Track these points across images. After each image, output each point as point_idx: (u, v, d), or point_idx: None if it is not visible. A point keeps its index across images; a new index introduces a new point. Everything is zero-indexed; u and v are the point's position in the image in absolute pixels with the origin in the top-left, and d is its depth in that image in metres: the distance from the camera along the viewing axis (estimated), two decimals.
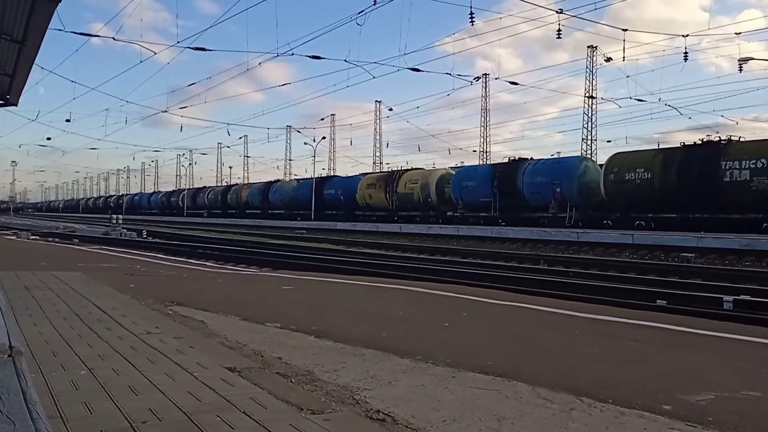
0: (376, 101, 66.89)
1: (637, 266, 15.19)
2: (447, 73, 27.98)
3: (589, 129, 47.36)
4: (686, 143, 24.41)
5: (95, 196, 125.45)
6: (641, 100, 36.23)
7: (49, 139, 53.67)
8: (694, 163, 22.74)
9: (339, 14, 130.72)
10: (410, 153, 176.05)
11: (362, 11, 19.27)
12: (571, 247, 21.67)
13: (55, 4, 6.08)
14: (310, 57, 24.03)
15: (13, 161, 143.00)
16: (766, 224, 20.16)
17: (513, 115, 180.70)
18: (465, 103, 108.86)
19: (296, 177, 64.94)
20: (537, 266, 15.35)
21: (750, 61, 25.20)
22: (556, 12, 21.58)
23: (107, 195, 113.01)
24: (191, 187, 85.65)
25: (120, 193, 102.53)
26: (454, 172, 35.81)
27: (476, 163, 48.05)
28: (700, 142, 23.88)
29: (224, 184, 77.29)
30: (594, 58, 46.45)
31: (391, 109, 79.56)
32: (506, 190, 30.07)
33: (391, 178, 38.65)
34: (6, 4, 6.26)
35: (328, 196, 44.25)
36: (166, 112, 35.55)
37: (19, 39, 7.20)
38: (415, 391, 3.55)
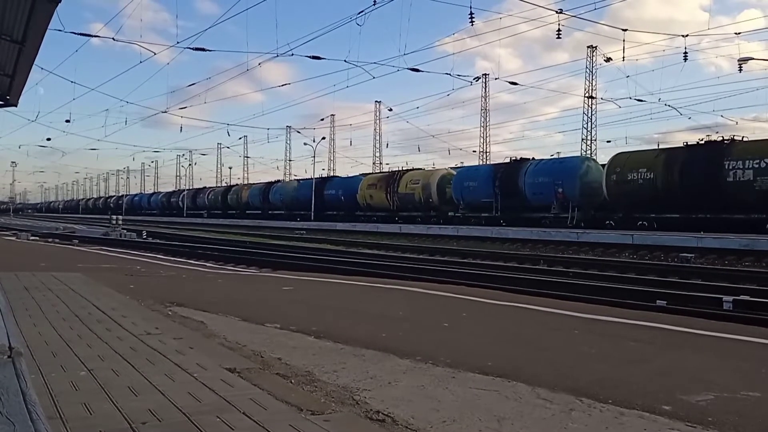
0: (376, 101, 67.01)
1: (636, 266, 15.19)
2: (447, 73, 27.96)
3: (589, 129, 47.41)
4: (689, 143, 24.31)
5: (95, 196, 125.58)
6: (641, 100, 36.29)
7: (49, 139, 53.95)
8: (697, 163, 22.64)
9: (339, 14, 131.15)
10: (410, 153, 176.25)
11: (362, 11, 19.28)
12: (570, 247, 21.67)
13: (54, 4, 6.08)
14: (310, 57, 24.02)
15: (12, 162, 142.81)
16: None
17: (513, 115, 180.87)
18: (465, 103, 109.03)
19: (296, 177, 65.02)
20: (537, 266, 15.35)
21: (750, 61, 25.21)
22: (556, 12, 21.60)
23: (107, 196, 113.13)
24: (191, 187, 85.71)
25: (120, 194, 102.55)
26: (455, 173, 35.66)
27: (476, 163, 48.11)
28: (703, 142, 23.78)
29: (224, 184, 77.36)
30: (594, 58, 46.50)
31: (390, 110, 79.70)
32: (508, 191, 29.99)
33: (392, 178, 38.58)
34: (6, 4, 6.26)
35: (329, 197, 44.20)
36: (165, 112, 35.59)
37: (19, 39, 7.20)
38: (415, 391, 3.55)
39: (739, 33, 35.61)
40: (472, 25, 20.06)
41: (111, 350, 4.35)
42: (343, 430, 2.84)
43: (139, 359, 4.06)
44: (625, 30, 23.67)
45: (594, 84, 47.40)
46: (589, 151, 46.17)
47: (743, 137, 23.09)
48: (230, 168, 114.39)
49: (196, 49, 21.66)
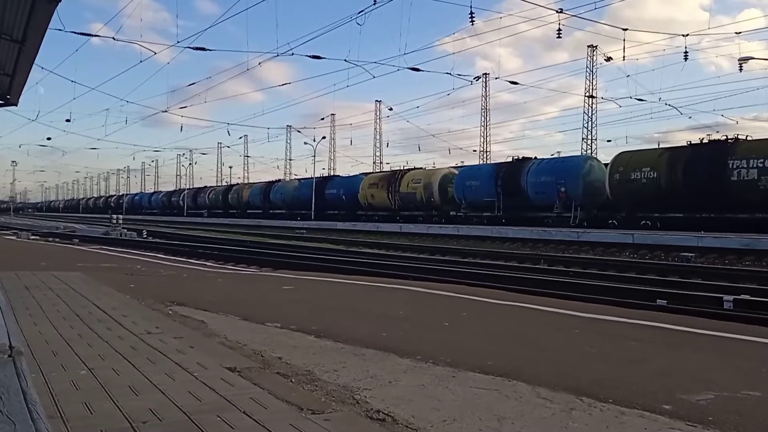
0: (376, 101, 66.98)
1: (637, 266, 15.18)
2: (447, 73, 27.87)
3: (589, 128, 47.42)
4: (692, 142, 24.19)
5: (95, 196, 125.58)
6: (641, 100, 36.28)
7: (49, 139, 53.69)
8: (700, 162, 22.55)
9: (339, 14, 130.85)
10: (410, 153, 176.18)
11: (362, 11, 19.27)
12: (571, 246, 21.66)
13: (55, 4, 6.08)
14: (310, 57, 24.05)
15: (13, 161, 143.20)
16: None
17: (513, 114, 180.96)
18: (465, 102, 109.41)
19: (296, 177, 65.02)
20: (537, 266, 15.35)
21: (750, 61, 25.22)
22: (556, 11, 21.57)
23: (107, 195, 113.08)
24: (191, 186, 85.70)
25: (120, 193, 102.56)
26: (457, 172, 35.53)
27: (476, 162, 48.10)
28: (707, 141, 23.68)
29: (224, 183, 77.39)
30: (594, 58, 46.49)
31: (391, 109, 79.59)
32: (510, 190, 29.89)
33: (394, 177, 38.50)
34: (6, 4, 6.26)
35: (330, 196, 44.16)
36: (166, 112, 35.59)
37: (19, 39, 7.20)
38: (416, 390, 3.54)
39: (740, 33, 35.46)
40: (473, 24, 20.06)
41: (111, 349, 4.35)
42: (343, 429, 2.84)
43: (139, 358, 4.06)
44: (626, 29, 23.67)
45: (594, 83, 47.46)
46: (589, 151, 46.19)
47: (747, 136, 22.98)
48: (230, 167, 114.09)
49: (197, 48, 21.69)
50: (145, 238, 27.53)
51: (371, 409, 3.17)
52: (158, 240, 26.15)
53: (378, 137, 66.49)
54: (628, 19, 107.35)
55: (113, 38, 35.21)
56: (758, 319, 7.21)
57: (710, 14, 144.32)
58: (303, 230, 34.74)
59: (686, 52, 26.24)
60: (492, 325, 6.05)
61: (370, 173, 47.29)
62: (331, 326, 5.59)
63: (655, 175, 23.94)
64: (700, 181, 22.27)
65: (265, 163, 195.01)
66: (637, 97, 36.47)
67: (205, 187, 72.81)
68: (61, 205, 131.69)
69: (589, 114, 47.51)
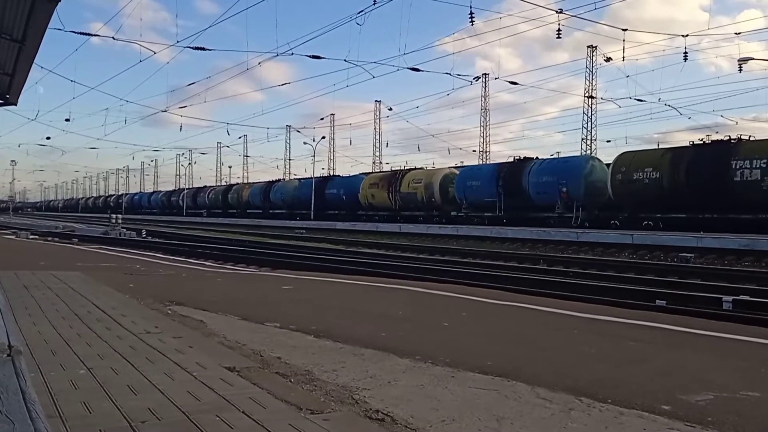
0: (376, 101, 66.95)
1: (636, 266, 15.19)
2: (447, 73, 27.79)
3: (589, 129, 47.39)
4: (695, 142, 24.10)
5: (95, 195, 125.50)
6: (641, 100, 36.22)
7: (48, 138, 53.68)
8: (703, 162, 22.46)
9: (339, 14, 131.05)
10: (410, 153, 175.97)
11: (362, 11, 19.24)
12: (570, 247, 21.67)
13: (54, 3, 6.07)
14: (310, 57, 24.06)
15: (12, 161, 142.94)
16: None
17: (513, 114, 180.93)
18: (465, 102, 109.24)
19: (296, 177, 65.00)
20: (536, 266, 15.35)
21: (750, 61, 25.17)
22: (556, 12, 21.58)
23: (107, 194, 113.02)
24: (191, 186, 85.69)
25: (119, 193, 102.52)
26: (458, 172, 35.43)
27: (476, 162, 48.09)
28: (710, 141, 23.61)
29: (224, 183, 77.37)
30: (594, 58, 46.47)
31: (390, 109, 79.73)
32: (511, 190, 29.81)
33: (394, 177, 38.43)
34: (6, 3, 6.26)
35: (330, 196, 44.13)
36: (165, 111, 35.55)
37: (19, 38, 7.19)
38: (415, 390, 3.55)
39: (739, 33, 35.56)
40: (472, 24, 20.04)
41: (110, 349, 4.35)
42: (342, 429, 2.84)
43: (138, 358, 4.06)
44: (625, 30, 23.67)
45: (594, 84, 47.43)
46: (588, 151, 46.17)
47: (750, 136, 22.87)
48: (230, 167, 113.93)
49: (196, 48, 21.68)
50: (144, 237, 27.53)
51: (370, 409, 3.17)
52: (157, 240, 26.14)
53: (378, 137, 66.55)
54: (628, 19, 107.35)
55: (113, 38, 35.25)
56: (757, 319, 7.21)
57: (710, 15, 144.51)
58: (302, 230, 34.73)
59: (686, 52, 26.32)
60: (491, 325, 6.05)
61: (370, 173, 47.29)
62: (331, 326, 5.58)
63: (658, 176, 23.86)
64: (702, 181, 22.18)
65: (264, 163, 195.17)
66: (637, 98, 36.49)
67: (205, 186, 72.81)
68: (60, 205, 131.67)
69: (589, 114, 47.55)
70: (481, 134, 55.50)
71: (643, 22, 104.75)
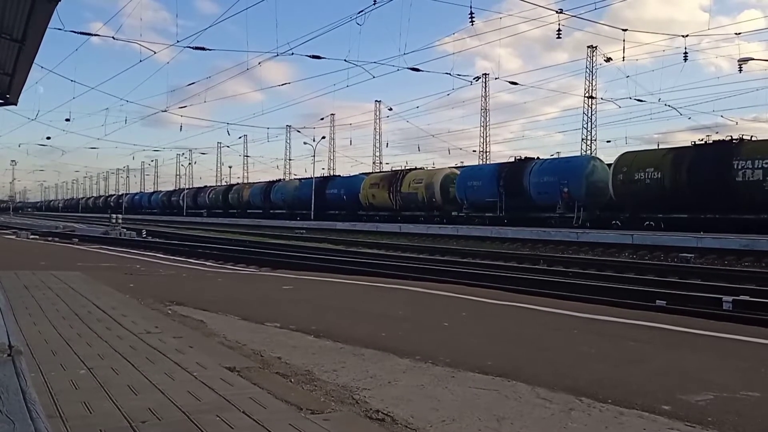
0: (376, 101, 67.00)
1: (636, 266, 15.19)
2: (447, 73, 27.82)
3: (589, 129, 47.42)
4: (697, 142, 24.05)
5: (95, 195, 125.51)
6: (641, 100, 36.27)
7: (48, 138, 53.68)
8: (705, 162, 22.41)
9: (339, 14, 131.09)
10: (410, 153, 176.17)
11: (362, 11, 19.25)
12: (570, 247, 21.66)
13: (54, 3, 6.07)
14: (310, 57, 24.08)
15: (12, 160, 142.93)
16: None
17: (513, 115, 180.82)
18: (465, 103, 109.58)
19: (296, 177, 65.00)
20: (536, 266, 15.35)
21: (750, 62, 25.18)
22: (556, 12, 21.60)
23: (107, 194, 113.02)
24: (191, 186, 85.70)
25: (120, 193, 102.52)
26: (458, 172, 35.35)
27: (476, 162, 48.08)
28: (712, 142, 23.56)
29: (224, 183, 77.38)
30: (594, 58, 46.49)
31: (390, 109, 79.81)
32: (512, 190, 29.75)
33: (395, 177, 38.38)
34: (6, 3, 6.26)
35: (331, 196, 44.10)
36: (165, 111, 35.55)
37: (19, 38, 7.19)
38: (415, 391, 3.55)
39: (739, 33, 35.60)
40: (472, 24, 20.07)
41: (111, 349, 4.35)
42: (342, 429, 2.84)
43: (138, 358, 4.06)
44: (625, 30, 23.69)
45: (594, 84, 47.45)
46: (588, 151, 46.19)
47: (752, 137, 22.82)
48: (230, 167, 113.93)
49: (196, 48, 21.69)
50: (144, 237, 27.53)
51: (370, 409, 3.17)
52: (158, 240, 26.15)
53: (378, 137, 66.57)
54: (628, 19, 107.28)
55: (113, 38, 35.27)
56: (757, 319, 7.21)
57: (710, 15, 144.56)
58: (303, 230, 34.73)
59: (686, 52, 26.32)
60: (491, 325, 6.05)
61: (370, 173, 47.27)
62: (331, 326, 5.59)
63: (659, 176, 23.80)
64: (704, 181, 22.12)
65: (264, 163, 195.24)
66: (637, 98, 36.58)
67: (205, 186, 72.81)
68: (60, 205, 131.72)
69: (589, 114, 47.56)
70: (481, 134, 55.57)
71: (643, 22, 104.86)
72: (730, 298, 8.57)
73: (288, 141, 75.27)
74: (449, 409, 3.19)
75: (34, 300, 6.73)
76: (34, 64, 8.78)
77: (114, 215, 34.56)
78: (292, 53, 25.57)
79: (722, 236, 18.79)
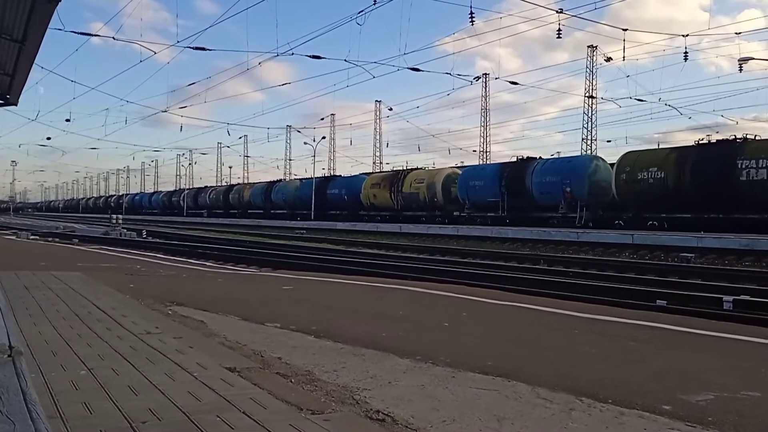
0: (376, 101, 66.99)
1: (636, 266, 15.19)
2: (447, 73, 27.86)
3: (589, 129, 47.43)
4: (700, 141, 23.94)
5: (95, 196, 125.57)
6: (641, 100, 36.30)
7: (49, 138, 53.63)
8: (709, 162, 22.30)
9: (339, 14, 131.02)
10: (410, 153, 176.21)
11: (362, 11, 19.28)
12: (570, 247, 21.66)
13: (54, 3, 6.07)
14: (310, 57, 24.09)
15: (13, 161, 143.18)
16: None
17: (513, 114, 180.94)
18: (465, 102, 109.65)
19: (296, 177, 65.02)
20: (537, 266, 15.35)
21: (750, 61, 25.18)
22: (556, 12, 21.60)
23: (107, 195, 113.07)
24: (191, 186, 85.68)
25: (120, 193, 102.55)
26: (460, 172, 35.25)
27: (476, 162, 48.08)
28: (715, 141, 23.47)
29: (224, 183, 77.38)
30: (594, 58, 46.50)
31: (391, 109, 79.78)
32: (514, 190, 29.65)
33: (396, 177, 38.31)
34: (6, 3, 6.26)
35: (332, 196, 44.06)
36: (166, 111, 35.60)
37: (19, 38, 7.20)
38: (415, 391, 3.55)
39: (740, 33, 35.55)
40: (472, 24, 20.08)
41: (111, 349, 4.35)
42: (343, 429, 2.84)
43: (139, 358, 4.06)
44: (626, 30, 23.69)
45: (594, 84, 47.46)
46: (589, 151, 46.19)
47: (756, 136, 22.74)
48: (230, 167, 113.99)
49: (197, 48, 21.71)
50: (144, 238, 27.53)
51: (371, 409, 3.17)
52: (158, 240, 26.15)
53: (378, 137, 66.58)
54: (628, 19, 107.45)
55: (113, 38, 35.27)
56: (758, 319, 7.21)
57: (710, 15, 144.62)
58: (303, 230, 34.73)
59: (686, 52, 26.31)
60: (491, 326, 6.05)
61: (371, 173, 47.25)
62: (331, 326, 5.59)
63: (663, 175, 23.70)
64: (708, 181, 22.03)
65: (264, 163, 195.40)
66: (637, 98, 36.59)
67: (206, 187, 72.79)
68: (60, 205, 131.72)
69: (589, 114, 47.57)
70: (482, 134, 55.56)
71: (644, 22, 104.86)
72: (731, 298, 8.57)
73: (288, 141, 75.37)
74: (449, 410, 3.19)
75: (34, 300, 6.73)
76: (34, 65, 8.80)
77: (114, 216, 34.56)
78: (292, 53, 25.62)
79: (722, 236, 18.78)
